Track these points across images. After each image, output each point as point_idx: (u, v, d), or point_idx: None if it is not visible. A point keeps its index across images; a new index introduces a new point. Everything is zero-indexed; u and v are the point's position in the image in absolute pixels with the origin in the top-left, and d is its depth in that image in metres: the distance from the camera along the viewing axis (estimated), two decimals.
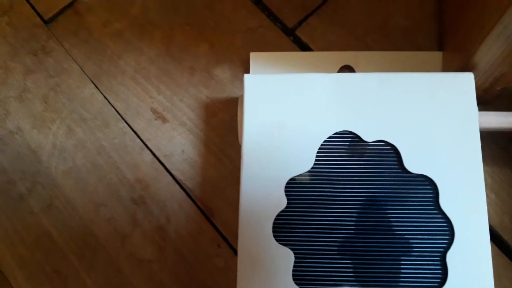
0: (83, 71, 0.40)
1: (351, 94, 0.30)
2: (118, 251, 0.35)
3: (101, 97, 0.40)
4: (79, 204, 0.37)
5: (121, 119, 0.39)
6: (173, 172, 0.37)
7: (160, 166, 0.37)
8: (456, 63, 0.34)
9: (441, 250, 0.27)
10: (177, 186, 0.37)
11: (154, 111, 0.39)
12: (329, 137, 0.29)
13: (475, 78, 0.33)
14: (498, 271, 0.32)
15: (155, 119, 0.39)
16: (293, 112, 0.30)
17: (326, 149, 0.29)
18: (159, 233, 0.36)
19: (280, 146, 0.29)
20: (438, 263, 0.27)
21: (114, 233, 0.36)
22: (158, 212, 0.36)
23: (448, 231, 0.27)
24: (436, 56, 0.37)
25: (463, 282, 0.26)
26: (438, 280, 0.27)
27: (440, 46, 0.38)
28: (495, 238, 0.33)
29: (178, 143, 0.38)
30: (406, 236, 0.28)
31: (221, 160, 0.37)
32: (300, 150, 0.29)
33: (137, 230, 0.36)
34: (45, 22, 0.42)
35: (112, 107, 0.39)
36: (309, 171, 0.29)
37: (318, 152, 0.29)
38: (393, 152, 0.29)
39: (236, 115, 0.37)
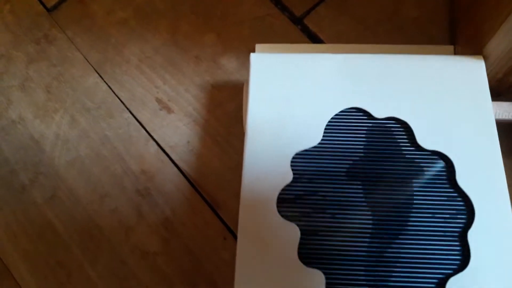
0: (87, 60, 0.40)
1: (360, 72, 0.29)
2: (123, 243, 0.35)
3: (105, 87, 0.39)
4: (82, 195, 0.36)
5: (126, 109, 0.38)
6: (178, 163, 0.36)
7: (165, 157, 0.37)
8: (469, 53, 0.33)
9: (461, 229, 0.26)
10: (183, 178, 0.36)
11: (159, 101, 0.38)
12: (338, 113, 0.29)
13: (488, 68, 0.32)
14: None
15: (160, 110, 0.38)
16: (300, 90, 0.29)
17: (335, 125, 0.29)
18: (164, 225, 0.35)
19: (286, 121, 0.28)
20: (458, 243, 0.25)
21: (119, 225, 0.35)
22: (163, 204, 0.35)
23: (467, 210, 0.26)
24: (448, 49, 0.36)
25: (487, 261, 0.25)
26: (460, 259, 0.25)
27: (451, 36, 0.38)
28: None
29: (183, 133, 0.37)
30: (422, 214, 0.26)
31: (227, 152, 0.36)
32: (307, 125, 0.28)
33: (142, 222, 0.35)
34: (48, 10, 0.42)
35: (116, 97, 0.38)
36: (316, 146, 0.28)
37: (326, 128, 0.28)
38: (405, 128, 0.28)
39: (242, 105, 0.37)
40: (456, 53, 0.36)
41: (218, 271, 0.34)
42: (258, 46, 0.37)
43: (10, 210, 0.37)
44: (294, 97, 0.29)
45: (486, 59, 0.31)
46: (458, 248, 0.25)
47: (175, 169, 0.36)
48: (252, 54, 0.30)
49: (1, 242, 0.36)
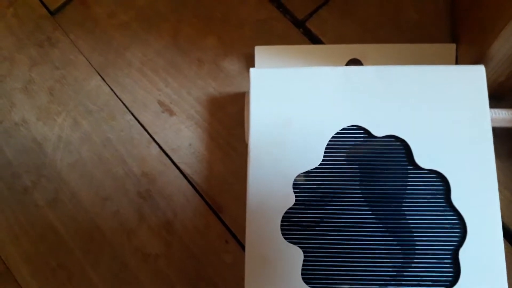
0: (89, 62, 0.40)
1: (359, 87, 0.29)
2: (124, 245, 0.35)
3: (107, 89, 0.39)
4: (84, 198, 0.36)
5: (128, 111, 0.38)
6: (180, 166, 0.36)
7: (167, 159, 0.37)
8: (471, 56, 0.33)
9: (453, 247, 0.26)
10: (185, 180, 0.36)
11: (161, 103, 0.38)
12: (338, 132, 0.29)
13: (490, 71, 0.32)
14: None
15: (162, 112, 0.38)
16: (301, 107, 0.29)
17: (335, 144, 0.29)
18: (166, 227, 0.35)
19: (287, 142, 0.29)
20: (450, 260, 0.26)
21: (120, 228, 0.35)
22: (165, 207, 0.35)
23: (460, 228, 0.27)
24: (449, 48, 0.36)
25: (476, 280, 0.26)
26: (451, 277, 0.26)
27: (453, 39, 0.38)
28: (509, 236, 0.32)
29: (185, 136, 0.37)
30: (417, 233, 0.27)
31: (229, 154, 0.36)
32: (308, 146, 0.28)
33: (144, 224, 0.35)
34: (51, 13, 0.42)
35: (118, 99, 0.39)
36: (317, 167, 0.28)
37: (326, 148, 0.28)
38: (404, 147, 0.28)
39: (243, 107, 0.37)
40: (458, 54, 0.36)
41: (219, 274, 0.34)
42: (257, 48, 0.37)
43: (12, 212, 0.37)
44: (295, 116, 0.29)
45: (489, 61, 0.31)
46: (450, 266, 0.26)
47: (177, 171, 0.36)
48: (251, 70, 0.30)
49: (3, 244, 0.36)
